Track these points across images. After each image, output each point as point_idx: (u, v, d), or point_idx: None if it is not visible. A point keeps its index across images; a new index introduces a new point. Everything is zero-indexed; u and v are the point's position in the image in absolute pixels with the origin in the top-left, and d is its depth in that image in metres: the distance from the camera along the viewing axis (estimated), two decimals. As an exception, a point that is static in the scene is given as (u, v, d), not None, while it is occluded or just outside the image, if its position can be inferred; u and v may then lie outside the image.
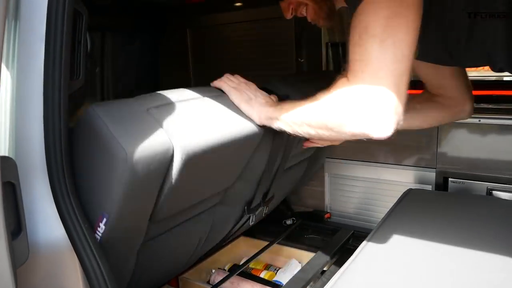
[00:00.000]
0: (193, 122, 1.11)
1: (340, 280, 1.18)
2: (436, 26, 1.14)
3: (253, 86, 1.33)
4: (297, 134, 1.13)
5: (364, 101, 0.91)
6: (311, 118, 1.05)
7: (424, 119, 1.48)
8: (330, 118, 0.99)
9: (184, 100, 1.18)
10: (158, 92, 1.18)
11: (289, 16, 1.35)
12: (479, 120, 1.91)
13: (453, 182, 2.05)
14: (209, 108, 1.22)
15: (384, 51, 0.90)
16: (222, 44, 2.74)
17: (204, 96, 1.25)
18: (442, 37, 1.18)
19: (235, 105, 1.27)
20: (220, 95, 1.29)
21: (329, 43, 2.40)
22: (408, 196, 1.72)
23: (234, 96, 1.29)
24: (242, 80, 1.37)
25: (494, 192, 1.95)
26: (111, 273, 0.96)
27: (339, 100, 0.97)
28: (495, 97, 2.16)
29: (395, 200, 1.67)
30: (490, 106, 2.03)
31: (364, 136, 0.94)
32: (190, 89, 1.26)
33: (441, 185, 2.07)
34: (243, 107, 1.26)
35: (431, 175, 2.09)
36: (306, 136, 1.12)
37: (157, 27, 2.92)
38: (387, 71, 0.89)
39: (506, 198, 1.93)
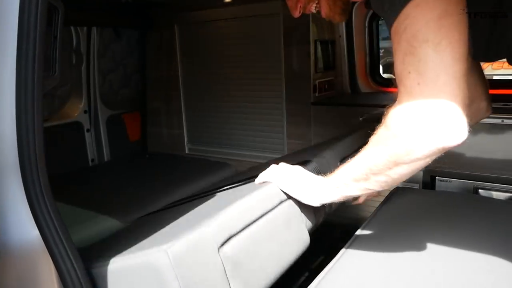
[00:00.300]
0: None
1: (325, 279, 1.16)
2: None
3: (298, 169, 1.25)
4: (365, 192, 1.03)
5: (431, 115, 0.84)
6: (376, 161, 0.94)
7: None
8: (398, 149, 0.89)
9: (250, 224, 1.11)
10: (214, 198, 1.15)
11: (297, 14, 1.23)
12: (466, 119, 1.90)
13: (440, 180, 2.05)
14: (275, 230, 1.18)
15: (440, 55, 0.82)
16: (210, 41, 2.71)
17: (265, 209, 1.18)
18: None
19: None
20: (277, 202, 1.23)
21: (318, 41, 2.39)
22: (395, 194, 1.70)
23: (286, 188, 1.22)
24: (285, 166, 1.28)
25: (480, 190, 1.95)
26: (86, 276, 0.94)
27: (401, 125, 0.88)
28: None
29: (382, 198, 1.66)
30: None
31: (441, 151, 0.87)
32: (245, 197, 1.16)
33: (428, 183, 2.07)
34: (298, 195, 1.21)
35: (418, 173, 2.07)
36: (378, 188, 1.01)
37: (143, 23, 2.88)
38: (447, 77, 0.83)
39: (493, 197, 1.93)
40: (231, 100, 2.72)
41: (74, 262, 0.91)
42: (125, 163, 2.90)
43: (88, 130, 2.81)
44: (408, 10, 0.84)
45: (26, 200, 0.90)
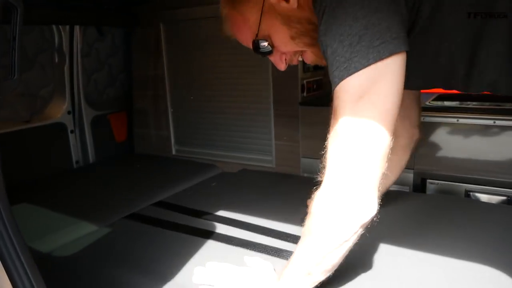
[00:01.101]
0: None
1: None
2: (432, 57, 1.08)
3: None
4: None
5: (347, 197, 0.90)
6: (311, 253, 0.98)
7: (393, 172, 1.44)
8: (324, 236, 0.94)
9: None
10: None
11: (283, 67, 1.20)
12: (457, 120, 1.87)
13: (431, 183, 2.01)
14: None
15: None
16: (197, 39, 2.65)
17: None
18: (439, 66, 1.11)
19: None
20: None
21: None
22: (385, 197, 1.67)
23: None
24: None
25: (472, 193, 1.91)
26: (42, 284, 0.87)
27: (320, 212, 0.94)
28: (474, 96, 2.12)
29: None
30: (469, 105, 2.00)
31: (363, 227, 0.93)
32: None
33: (419, 186, 2.03)
34: None
35: (409, 176, 2.04)
36: (324, 277, 1.02)
37: (128, 21, 2.81)
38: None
39: (485, 200, 1.90)
40: (218, 100, 2.66)
41: (33, 281, 0.85)
42: (111, 164, 2.84)
43: (72, 131, 2.74)
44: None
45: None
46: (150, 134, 3.01)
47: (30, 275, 0.85)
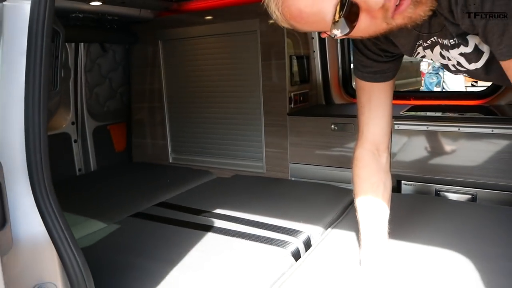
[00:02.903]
0: None
1: (292, 277, 1.34)
2: None
3: None
4: None
5: None
6: None
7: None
8: None
9: None
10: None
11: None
12: (427, 128, 2.09)
13: (406, 184, 2.22)
14: None
15: None
16: (193, 55, 2.87)
17: None
18: None
19: None
20: None
21: (293, 56, 2.57)
22: None
23: None
24: None
25: (441, 193, 2.13)
26: (86, 263, 1.07)
27: None
28: (442, 106, 2.37)
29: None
30: (437, 114, 2.23)
31: None
32: None
33: (395, 187, 2.24)
34: None
35: (386, 178, 2.25)
36: None
37: (129, 39, 3.03)
38: None
39: (452, 198, 2.12)
40: (212, 111, 2.87)
41: (75, 251, 1.05)
42: (111, 172, 3.02)
43: (75, 141, 2.92)
44: None
45: (32, 197, 1.03)
46: (147, 143, 3.20)
47: (73, 250, 1.05)
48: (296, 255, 1.58)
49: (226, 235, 1.71)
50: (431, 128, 2.09)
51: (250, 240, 1.65)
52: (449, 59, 1.14)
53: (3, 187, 0.92)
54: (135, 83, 3.16)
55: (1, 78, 1.02)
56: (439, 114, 2.23)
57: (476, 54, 1.05)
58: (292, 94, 2.58)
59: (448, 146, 2.09)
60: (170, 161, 3.11)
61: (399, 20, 0.93)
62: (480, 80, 1.15)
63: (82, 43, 2.77)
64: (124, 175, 2.97)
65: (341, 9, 0.88)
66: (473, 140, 2.01)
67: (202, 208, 2.03)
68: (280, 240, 1.65)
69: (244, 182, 2.53)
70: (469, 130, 2.00)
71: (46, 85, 1.06)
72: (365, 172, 1.37)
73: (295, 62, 2.61)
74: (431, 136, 2.12)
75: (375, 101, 1.32)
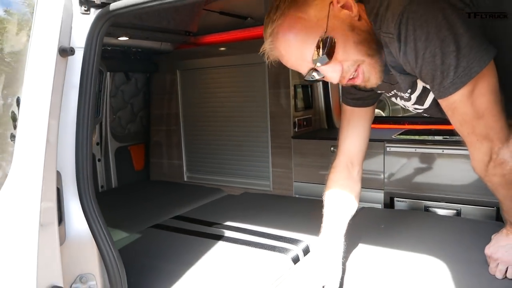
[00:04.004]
0: None
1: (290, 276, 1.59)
2: None
3: None
4: None
5: None
6: None
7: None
8: None
9: None
10: None
11: (337, 79, 1.17)
12: (415, 150, 2.33)
13: (398, 201, 2.45)
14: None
15: None
16: (207, 83, 3.18)
17: None
18: None
19: None
20: None
21: (297, 85, 2.85)
22: (361, 212, 2.06)
23: None
24: None
25: (430, 208, 2.36)
26: (120, 257, 1.33)
27: None
28: (432, 131, 2.60)
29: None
30: (424, 138, 2.46)
31: None
32: None
33: (388, 203, 2.47)
34: None
35: (380, 195, 2.49)
36: None
37: (150, 68, 3.35)
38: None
39: (441, 213, 2.34)
40: (224, 134, 3.15)
41: (111, 245, 1.31)
42: (130, 189, 3.29)
43: (99, 160, 3.21)
44: None
45: (79, 201, 1.30)
46: (164, 163, 3.48)
47: (110, 245, 1.30)
48: (296, 260, 1.81)
49: (235, 243, 1.95)
50: (419, 150, 2.33)
51: (255, 247, 1.89)
52: (407, 106, 1.41)
53: (61, 192, 1.19)
54: (154, 108, 3.47)
55: (61, 107, 1.30)
56: (426, 137, 2.46)
57: (425, 93, 1.28)
58: (296, 119, 2.85)
59: (434, 166, 2.33)
60: (185, 180, 3.37)
61: (352, 83, 1.20)
62: (437, 116, 1.39)
63: (109, 72, 3.08)
64: (143, 191, 3.23)
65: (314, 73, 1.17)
66: (456, 160, 2.24)
67: (214, 221, 2.27)
68: (282, 247, 1.88)
69: (252, 199, 2.77)
70: (453, 152, 2.24)
71: (93, 113, 1.33)
72: (336, 176, 1.57)
73: (299, 90, 2.88)
74: (420, 158, 2.36)
75: (353, 123, 1.55)
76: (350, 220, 1.53)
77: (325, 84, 3.07)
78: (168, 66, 3.30)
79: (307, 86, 2.99)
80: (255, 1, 2.79)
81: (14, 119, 1.12)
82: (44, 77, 1.08)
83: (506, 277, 1.35)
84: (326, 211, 1.53)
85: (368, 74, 1.17)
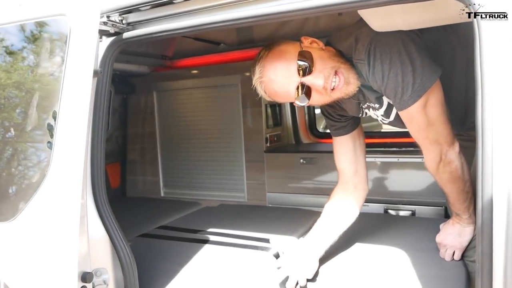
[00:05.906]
0: None
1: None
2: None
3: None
4: None
5: None
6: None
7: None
8: None
9: None
10: None
11: (322, 83, 1.39)
12: (375, 159, 2.65)
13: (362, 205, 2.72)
14: None
15: None
16: (183, 103, 3.38)
17: None
18: None
19: None
20: None
21: (268, 104, 3.12)
22: None
23: None
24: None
25: (389, 210, 2.66)
26: (131, 252, 1.51)
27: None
28: (396, 143, 2.92)
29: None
30: (383, 149, 2.79)
31: None
32: None
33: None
34: None
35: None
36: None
37: (127, 90, 3.52)
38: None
39: (401, 214, 2.65)
40: (200, 151, 3.35)
41: (125, 243, 1.50)
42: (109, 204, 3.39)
43: (77, 178, 3.30)
44: None
45: (96, 209, 1.48)
46: (140, 180, 3.63)
47: (123, 242, 1.49)
48: (277, 256, 2.03)
49: (222, 246, 2.14)
50: (378, 160, 2.65)
51: (240, 248, 2.08)
52: (377, 116, 1.68)
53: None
54: (131, 127, 3.62)
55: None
56: (385, 148, 2.78)
57: (390, 108, 1.57)
58: (267, 135, 3.11)
59: (391, 173, 2.64)
60: (162, 195, 3.53)
61: (336, 95, 1.44)
62: (399, 127, 1.72)
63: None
64: (121, 207, 3.29)
65: (301, 90, 1.39)
66: (409, 168, 2.58)
67: (197, 228, 2.45)
68: (264, 246, 2.10)
69: (229, 209, 2.96)
70: (406, 160, 2.57)
71: (106, 126, 1.53)
72: (334, 192, 1.86)
73: (269, 109, 3.16)
74: (378, 166, 2.67)
75: (342, 149, 1.81)
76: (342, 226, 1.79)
77: (293, 104, 3.34)
78: (145, 88, 3.48)
79: (275, 105, 3.27)
80: (228, 29, 3.05)
81: (50, 129, 1.30)
82: (81, 94, 1.27)
83: (453, 259, 1.64)
84: (318, 220, 1.80)
85: (347, 75, 1.40)
